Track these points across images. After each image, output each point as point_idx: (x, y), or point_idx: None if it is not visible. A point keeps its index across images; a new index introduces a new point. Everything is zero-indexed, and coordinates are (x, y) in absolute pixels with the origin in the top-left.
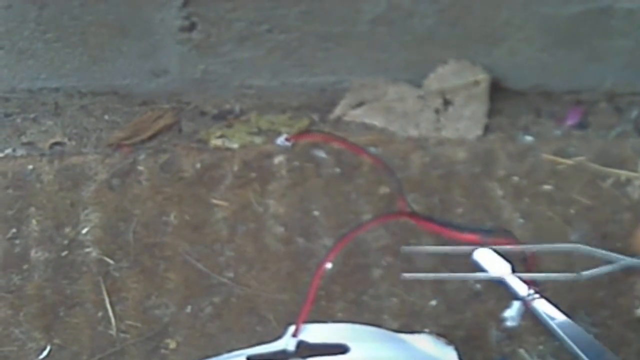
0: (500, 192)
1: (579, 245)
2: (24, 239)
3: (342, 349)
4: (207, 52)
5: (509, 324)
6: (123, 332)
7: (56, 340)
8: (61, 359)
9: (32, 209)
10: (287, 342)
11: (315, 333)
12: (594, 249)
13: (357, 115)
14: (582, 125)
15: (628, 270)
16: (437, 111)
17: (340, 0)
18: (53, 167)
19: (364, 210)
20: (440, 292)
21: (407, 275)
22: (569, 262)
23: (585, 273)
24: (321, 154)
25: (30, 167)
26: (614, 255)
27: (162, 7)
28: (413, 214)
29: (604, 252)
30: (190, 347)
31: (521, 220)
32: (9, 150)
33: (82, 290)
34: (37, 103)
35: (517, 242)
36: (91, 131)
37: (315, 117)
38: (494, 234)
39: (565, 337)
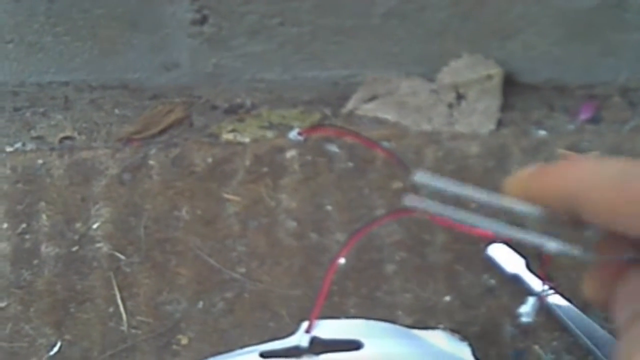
0: None
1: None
2: (34, 234)
3: (356, 345)
4: (218, 45)
5: (524, 319)
6: (134, 327)
7: (67, 336)
8: (72, 355)
9: (42, 204)
10: (300, 338)
11: (329, 329)
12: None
13: (370, 109)
14: (595, 120)
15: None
16: (450, 105)
17: None
18: (63, 162)
19: (377, 205)
20: (454, 288)
21: (408, 201)
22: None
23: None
24: (334, 148)
25: (40, 161)
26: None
27: (173, 0)
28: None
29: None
30: (202, 343)
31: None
32: (18, 145)
33: (92, 286)
34: (46, 97)
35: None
36: (101, 125)
37: (328, 111)
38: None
39: (580, 333)
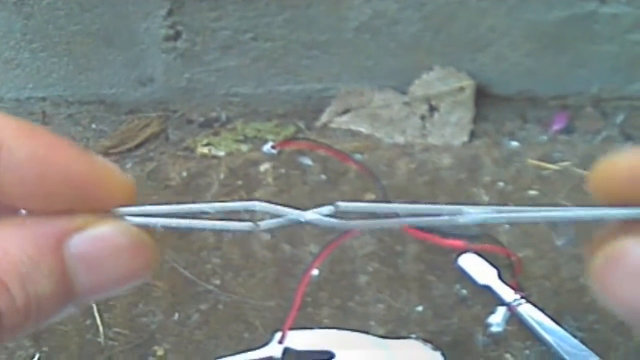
0: (485, 198)
1: (255, 203)
2: None
3: (328, 356)
4: (192, 60)
5: (494, 329)
6: (111, 339)
7: (45, 348)
8: None
9: None
10: (273, 349)
11: (302, 339)
12: (274, 206)
13: (343, 122)
14: (568, 130)
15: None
16: (422, 117)
17: (325, 8)
18: None
19: (350, 218)
20: (427, 298)
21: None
22: (555, 265)
23: (263, 223)
24: (307, 161)
25: None
26: (292, 210)
27: (147, 17)
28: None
29: (285, 208)
30: (178, 354)
31: (507, 226)
32: None
33: None
34: (24, 112)
35: (501, 248)
36: (78, 140)
37: (301, 124)
38: (479, 240)
39: (552, 342)
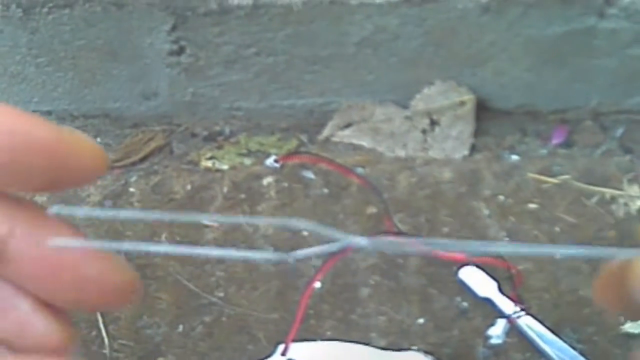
0: (486, 211)
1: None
2: None
3: None
4: (196, 75)
5: (494, 341)
6: (116, 351)
7: None
8: None
9: None
10: None
11: (304, 351)
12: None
13: (345, 136)
14: (567, 144)
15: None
16: (424, 131)
17: (327, 24)
18: None
19: (351, 230)
20: (428, 311)
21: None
22: (554, 277)
23: (298, 253)
24: (309, 174)
25: None
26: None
27: (151, 32)
28: (399, 234)
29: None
30: None
31: (507, 239)
32: None
33: (75, 310)
34: None
35: (501, 261)
36: None
37: (304, 138)
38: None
39: (551, 354)
